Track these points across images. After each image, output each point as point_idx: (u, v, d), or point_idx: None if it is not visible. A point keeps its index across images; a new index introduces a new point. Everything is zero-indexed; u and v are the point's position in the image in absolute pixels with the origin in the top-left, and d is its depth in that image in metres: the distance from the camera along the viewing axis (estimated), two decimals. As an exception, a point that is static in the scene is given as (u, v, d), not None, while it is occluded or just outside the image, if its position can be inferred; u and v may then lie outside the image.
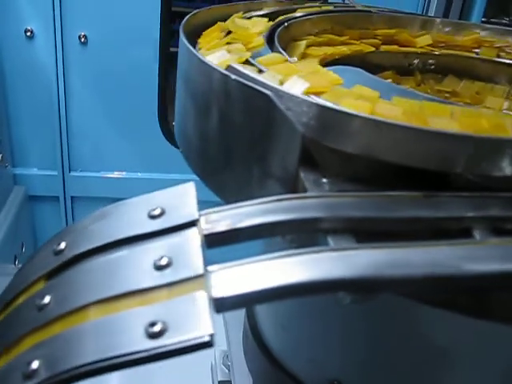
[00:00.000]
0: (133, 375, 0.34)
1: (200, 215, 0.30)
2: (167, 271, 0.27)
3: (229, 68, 0.39)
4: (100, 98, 1.53)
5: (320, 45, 0.55)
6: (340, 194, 0.33)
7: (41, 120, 1.53)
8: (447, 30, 0.68)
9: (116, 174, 1.60)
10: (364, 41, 0.62)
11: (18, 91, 1.48)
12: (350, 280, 0.26)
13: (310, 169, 0.34)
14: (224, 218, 0.30)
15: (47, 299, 0.29)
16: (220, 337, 0.81)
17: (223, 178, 0.40)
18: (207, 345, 0.24)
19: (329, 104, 0.34)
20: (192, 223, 0.30)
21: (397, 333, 0.46)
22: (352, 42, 0.59)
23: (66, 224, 1.67)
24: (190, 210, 0.30)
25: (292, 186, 0.35)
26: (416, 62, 0.65)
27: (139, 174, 1.60)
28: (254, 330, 0.65)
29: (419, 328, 0.43)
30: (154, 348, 0.24)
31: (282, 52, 0.49)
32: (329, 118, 0.34)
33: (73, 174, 1.59)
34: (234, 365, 0.73)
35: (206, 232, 0.29)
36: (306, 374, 0.57)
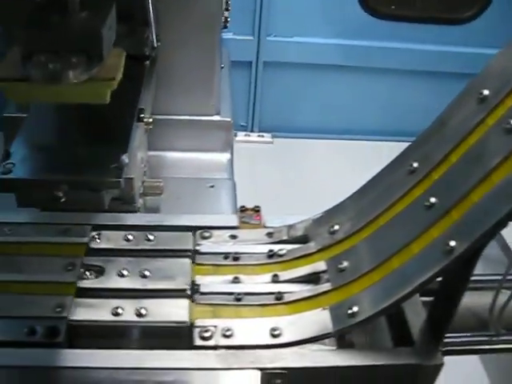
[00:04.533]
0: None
1: None
2: None
3: None
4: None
5: None
6: None
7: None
8: None
9: (309, 39, 1.69)
10: None
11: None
12: None
13: None
14: None
15: None
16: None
17: None
18: None
19: None
20: None
21: None
22: None
23: (255, 91, 1.78)
24: None
25: None
26: None
27: (332, 40, 1.67)
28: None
29: None
30: None
31: None
32: None
33: (268, 38, 1.70)
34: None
35: None
36: None
